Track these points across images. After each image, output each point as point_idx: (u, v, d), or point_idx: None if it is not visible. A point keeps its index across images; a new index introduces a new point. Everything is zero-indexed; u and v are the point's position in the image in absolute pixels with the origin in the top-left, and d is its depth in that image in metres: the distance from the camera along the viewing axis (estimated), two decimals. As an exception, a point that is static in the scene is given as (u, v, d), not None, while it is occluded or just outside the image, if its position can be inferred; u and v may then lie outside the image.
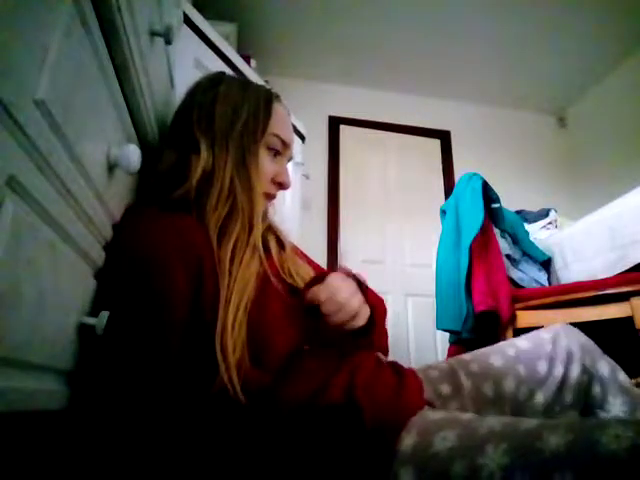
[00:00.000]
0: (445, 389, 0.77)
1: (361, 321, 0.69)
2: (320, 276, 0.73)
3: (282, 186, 0.86)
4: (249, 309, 0.64)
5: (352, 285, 0.70)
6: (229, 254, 0.68)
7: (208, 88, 0.84)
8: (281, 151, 0.85)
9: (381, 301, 0.84)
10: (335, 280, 0.67)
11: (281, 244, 0.86)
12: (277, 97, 0.89)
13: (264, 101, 0.84)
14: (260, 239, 0.75)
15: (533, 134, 3.73)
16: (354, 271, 0.78)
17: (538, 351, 0.83)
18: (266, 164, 0.82)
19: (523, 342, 0.86)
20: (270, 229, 0.88)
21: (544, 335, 0.86)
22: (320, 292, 0.65)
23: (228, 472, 0.57)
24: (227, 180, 0.75)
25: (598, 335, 1.52)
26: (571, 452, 0.42)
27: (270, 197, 0.86)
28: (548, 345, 0.83)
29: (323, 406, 0.59)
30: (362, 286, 0.73)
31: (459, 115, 3.64)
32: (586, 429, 0.44)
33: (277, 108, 0.85)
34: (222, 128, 0.79)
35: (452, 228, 1.70)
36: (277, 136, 0.83)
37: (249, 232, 0.74)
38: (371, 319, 0.73)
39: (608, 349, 1.53)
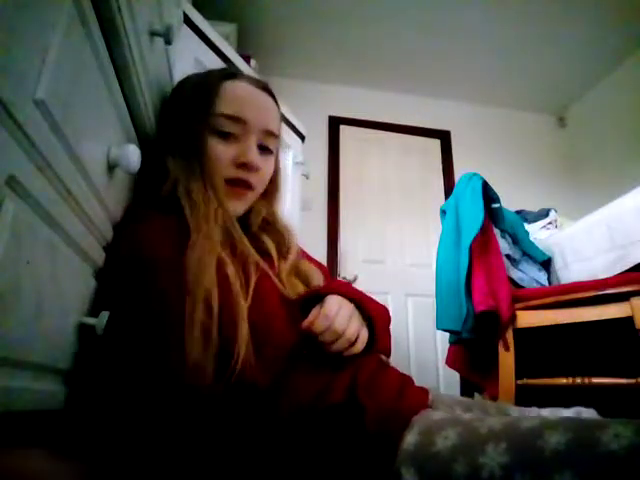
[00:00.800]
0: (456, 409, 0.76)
1: (360, 346, 0.67)
2: (316, 293, 0.71)
3: (246, 167, 0.78)
4: (250, 303, 0.64)
5: (349, 309, 0.67)
6: (195, 252, 0.64)
7: (174, 88, 0.85)
8: (237, 131, 0.78)
9: (383, 310, 0.81)
10: (332, 306, 0.65)
11: (282, 253, 0.82)
12: (232, 75, 0.82)
13: (203, 84, 0.79)
14: (236, 230, 0.73)
15: (533, 134, 3.73)
16: (352, 283, 0.76)
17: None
18: (216, 150, 0.76)
19: (544, 411, 0.79)
20: (272, 232, 0.85)
21: (564, 410, 0.83)
22: (317, 323, 0.63)
23: (231, 472, 0.57)
24: (183, 177, 0.74)
25: (598, 335, 1.53)
26: (571, 451, 0.42)
27: (240, 183, 0.79)
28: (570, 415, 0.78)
29: (326, 407, 0.59)
30: (361, 301, 0.71)
31: (459, 115, 3.64)
32: (586, 428, 0.44)
33: (228, 86, 0.79)
34: (172, 125, 0.79)
35: (452, 228, 1.70)
36: (224, 115, 0.77)
37: (222, 226, 0.71)
38: (370, 339, 0.71)
39: (608, 349, 1.53)
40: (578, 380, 1.38)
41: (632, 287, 1.34)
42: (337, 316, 0.64)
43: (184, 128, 0.77)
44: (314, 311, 0.65)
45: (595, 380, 1.36)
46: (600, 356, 1.56)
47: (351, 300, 0.70)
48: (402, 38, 3.04)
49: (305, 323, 0.64)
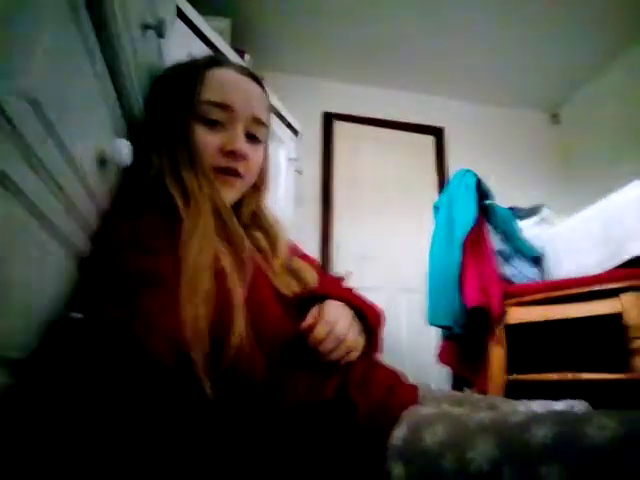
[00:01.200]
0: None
1: (357, 354, 0.67)
2: (313, 294, 0.71)
3: (234, 155, 0.76)
4: (245, 295, 0.62)
5: (349, 316, 0.67)
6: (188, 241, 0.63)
7: (160, 77, 0.83)
8: (223, 119, 0.76)
9: (379, 313, 0.80)
10: (333, 311, 0.64)
11: (274, 248, 0.80)
12: (217, 62, 0.81)
13: (188, 71, 0.78)
14: (232, 221, 0.72)
15: (526, 131, 3.75)
16: (345, 279, 0.74)
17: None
18: (203, 138, 0.74)
19: (533, 404, 0.79)
20: (263, 226, 0.84)
21: (555, 403, 0.83)
22: (318, 329, 0.62)
23: (225, 464, 0.56)
24: (172, 167, 0.72)
25: (590, 330, 1.54)
26: (557, 444, 0.43)
27: (228, 172, 0.77)
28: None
29: (319, 402, 0.59)
30: (359, 307, 0.70)
31: (453, 112, 3.64)
32: (572, 421, 0.45)
33: (213, 73, 0.78)
34: (158, 114, 0.77)
35: (445, 224, 1.71)
36: (210, 102, 0.75)
37: (216, 216, 0.70)
38: (366, 343, 0.71)
39: (600, 344, 1.55)
40: (568, 375, 1.40)
41: (622, 283, 1.35)
42: (338, 323, 0.63)
43: (170, 116, 0.76)
44: (313, 313, 0.64)
45: (585, 375, 1.37)
46: (592, 351, 1.57)
47: (349, 305, 0.69)
48: (397, 35, 3.04)
49: (305, 325, 0.63)
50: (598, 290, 1.40)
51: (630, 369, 1.29)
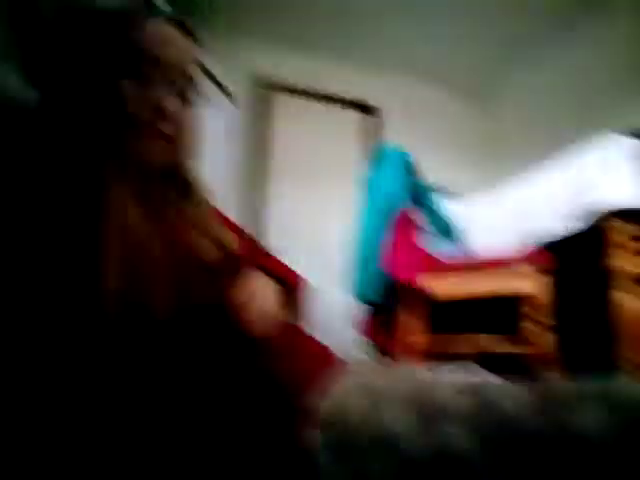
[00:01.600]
0: None
1: (275, 327, 0.66)
2: (237, 262, 0.71)
3: (162, 114, 0.69)
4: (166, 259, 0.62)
5: (272, 286, 0.68)
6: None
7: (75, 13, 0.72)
8: (151, 72, 0.69)
9: (300, 282, 0.83)
10: (258, 284, 0.65)
11: (196, 211, 0.77)
12: (148, 11, 0.74)
13: (114, 17, 0.70)
14: (152, 178, 0.69)
15: (457, 114, 3.88)
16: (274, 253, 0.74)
17: None
18: (128, 93, 0.67)
19: (445, 369, 0.84)
20: (187, 188, 0.78)
21: (455, 367, 0.87)
22: (248, 309, 0.62)
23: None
24: (88, 120, 0.66)
25: (501, 308, 1.65)
26: (475, 414, 0.45)
27: (152, 127, 0.70)
28: None
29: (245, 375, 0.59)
30: (282, 278, 0.71)
31: (389, 92, 3.69)
32: (489, 392, 0.48)
33: (143, 23, 0.70)
34: (75, 61, 0.68)
35: (373, 200, 1.74)
36: (139, 55, 0.68)
37: (141, 178, 0.67)
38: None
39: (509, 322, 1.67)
40: (473, 345, 1.51)
41: (534, 263, 1.46)
42: (264, 297, 0.64)
43: (92, 65, 0.67)
44: (239, 283, 0.64)
45: (486, 346, 1.48)
46: (503, 325, 1.69)
47: (273, 274, 0.70)
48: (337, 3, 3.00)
49: (231, 294, 0.63)
50: (511, 269, 1.50)
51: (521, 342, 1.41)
